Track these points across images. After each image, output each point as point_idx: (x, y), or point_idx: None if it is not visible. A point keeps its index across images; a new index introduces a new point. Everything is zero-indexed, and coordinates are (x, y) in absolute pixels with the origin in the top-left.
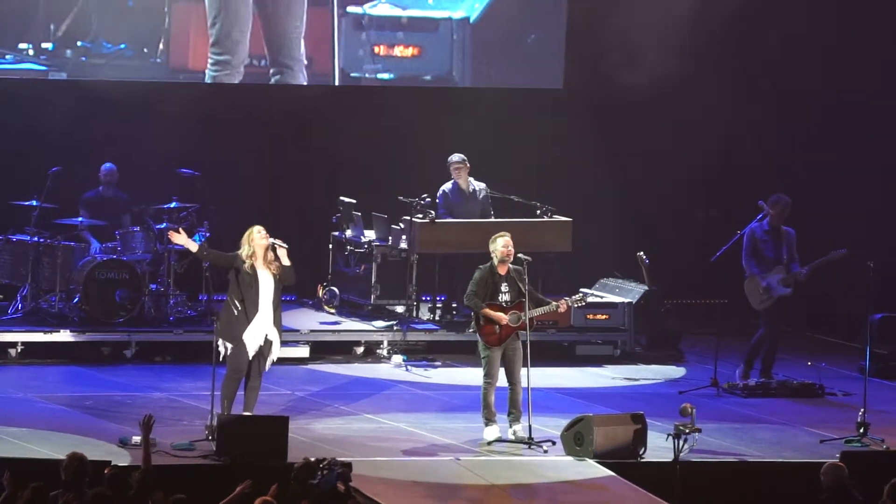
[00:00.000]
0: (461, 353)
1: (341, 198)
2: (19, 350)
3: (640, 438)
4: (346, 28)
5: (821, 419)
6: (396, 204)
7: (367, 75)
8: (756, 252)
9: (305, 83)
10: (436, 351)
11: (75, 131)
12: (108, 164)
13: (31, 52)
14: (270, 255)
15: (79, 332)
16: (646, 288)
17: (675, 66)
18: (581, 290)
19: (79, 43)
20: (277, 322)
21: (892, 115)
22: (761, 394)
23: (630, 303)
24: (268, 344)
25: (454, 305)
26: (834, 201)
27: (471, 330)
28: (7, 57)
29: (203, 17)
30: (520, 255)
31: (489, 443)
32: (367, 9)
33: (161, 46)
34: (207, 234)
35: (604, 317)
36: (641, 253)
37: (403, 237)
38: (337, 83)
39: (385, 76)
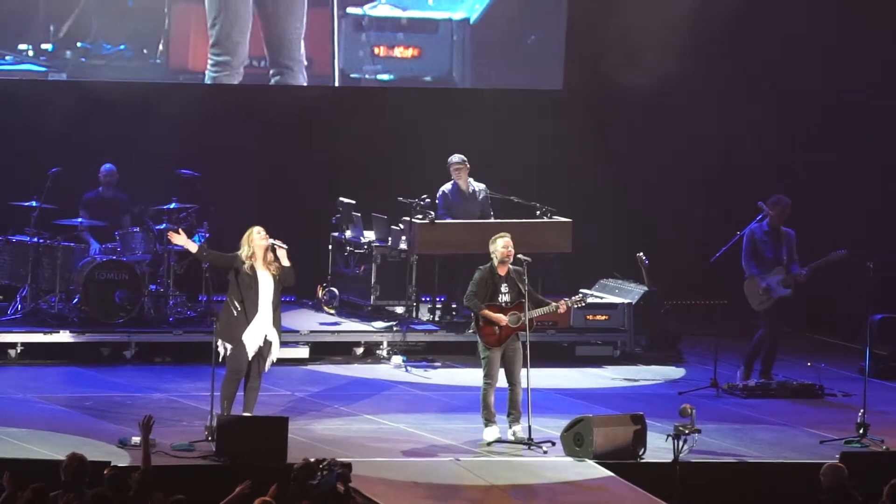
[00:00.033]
0: (461, 354)
1: (341, 198)
2: (19, 351)
3: (639, 439)
4: (346, 29)
5: (820, 420)
6: (396, 205)
7: (367, 76)
8: (756, 253)
9: (305, 84)
10: (435, 352)
11: (75, 132)
12: (107, 165)
13: (30, 53)
14: (270, 255)
15: (78, 333)
16: (645, 289)
17: (675, 66)
18: (581, 290)
19: (79, 44)
20: (277, 323)
21: (892, 115)
22: (761, 394)
23: (630, 303)
24: (267, 345)
25: (454, 306)
26: (834, 201)
27: (470, 331)
28: (7, 58)
29: (203, 18)
30: (519, 255)
31: (489, 443)
32: (368, 10)
33: (161, 47)
34: (207, 235)
35: (603, 317)
36: (641, 253)
37: (403, 238)
38: (337, 84)
39: (385, 77)
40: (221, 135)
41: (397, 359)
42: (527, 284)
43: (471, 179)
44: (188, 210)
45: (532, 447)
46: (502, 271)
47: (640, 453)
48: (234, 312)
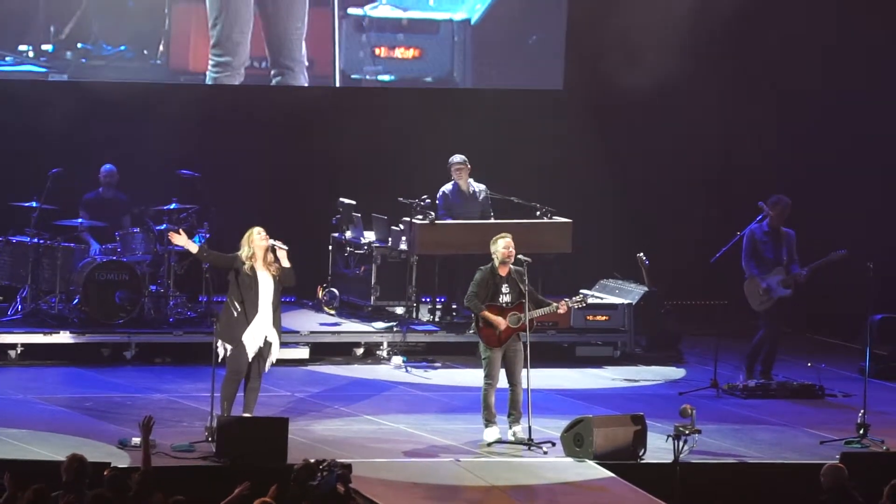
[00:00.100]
0: (461, 355)
1: (341, 199)
2: (19, 351)
3: (639, 440)
4: (346, 29)
5: (821, 420)
6: (396, 205)
7: (367, 77)
8: (756, 253)
9: (306, 85)
10: (436, 352)
11: (75, 133)
12: (108, 166)
13: (31, 54)
14: (270, 256)
15: (78, 334)
16: (646, 289)
17: (675, 66)
18: (581, 291)
19: (79, 45)
20: (277, 323)
21: (892, 115)
22: (761, 395)
23: (630, 304)
24: (267, 345)
25: (454, 307)
26: (834, 201)
27: (471, 331)
28: (7, 59)
29: (204, 19)
30: (520, 256)
31: (489, 444)
32: (368, 10)
33: (161, 48)
34: (207, 236)
35: (604, 318)
36: (641, 254)
37: (403, 238)
38: (338, 85)
39: (386, 78)
40: (222, 135)
41: (397, 359)
42: (527, 285)
43: (471, 180)
44: (188, 210)
45: (532, 448)
46: (503, 272)
47: (641, 454)
48: (234, 313)
